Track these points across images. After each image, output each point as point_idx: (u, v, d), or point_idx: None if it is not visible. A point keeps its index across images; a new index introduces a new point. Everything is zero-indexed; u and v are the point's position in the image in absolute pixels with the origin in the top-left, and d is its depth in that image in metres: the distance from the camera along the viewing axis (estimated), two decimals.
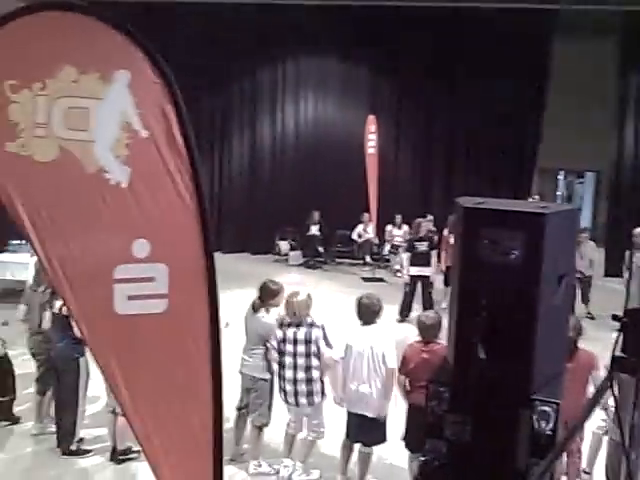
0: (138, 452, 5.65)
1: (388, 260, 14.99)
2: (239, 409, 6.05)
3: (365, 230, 15.02)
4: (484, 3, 14.58)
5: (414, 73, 15.78)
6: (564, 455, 4.77)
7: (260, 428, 5.96)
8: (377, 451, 5.75)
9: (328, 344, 5.68)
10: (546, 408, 2.71)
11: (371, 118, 14.78)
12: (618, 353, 2.37)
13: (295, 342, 5.63)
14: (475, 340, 2.81)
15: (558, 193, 17.66)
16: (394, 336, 5.74)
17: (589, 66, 14.73)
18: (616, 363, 2.35)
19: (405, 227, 14.02)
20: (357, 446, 5.72)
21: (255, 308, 5.95)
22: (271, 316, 5.91)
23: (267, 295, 5.91)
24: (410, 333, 5.86)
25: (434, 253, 11.02)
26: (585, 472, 5.67)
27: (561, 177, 17.77)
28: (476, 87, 15.23)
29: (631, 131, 15.33)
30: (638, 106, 15.20)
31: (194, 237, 2.97)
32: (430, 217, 13.09)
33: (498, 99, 15.11)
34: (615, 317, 2.40)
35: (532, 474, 2.42)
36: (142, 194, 2.92)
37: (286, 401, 5.78)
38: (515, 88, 15.05)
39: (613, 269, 14.01)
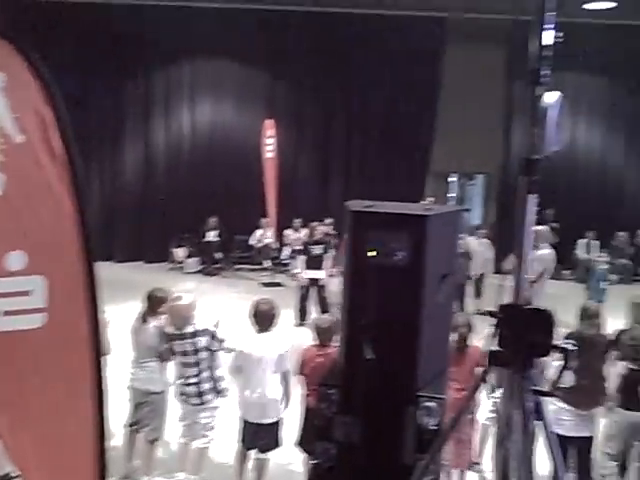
0: (18, 477, 5.35)
1: (287, 264, 15.01)
2: (130, 425, 5.84)
3: (264, 235, 14.98)
4: (378, 10, 14.94)
5: (311, 76, 15.97)
6: (453, 447, 4.91)
7: (152, 442, 5.82)
8: (273, 456, 5.71)
9: (220, 343, 5.62)
10: (431, 404, 2.79)
11: (268, 122, 14.83)
12: (494, 347, 2.46)
13: (184, 354, 5.56)
14: (363, 341, 2.86)
15: (451, 195, 18.23)
16: (291, 340, 5.74)
17: (478, 71, 15.35)
18: (492, 357, 2.45)
19: (304, 231, 14.09)
20: (252, 453, 5.66)
21: (144, 319, 5.78)
22: (161, 325, 5.74)
23: (155, 304, 5.76)
24: (307, 337, 5.87)
25: (329, 256, 11.12)
26: (475, 463, 5.86)
27: (454, 179, 18.36)
28: (371, 91, 15.60)
29: (517, 134, 16.03)
30: (523, 110, 15.91)
31: (74, 247, 2.83)
32: (329, 220, 13.24)
33: (392, 103, 15.55)
34: (490, 313, 2.50)
35: (417, 469, 2.47)
36: (18, 203, 2.77)
37: (187, 402, 5.64)
38: (408, 93, 15.51)
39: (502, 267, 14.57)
